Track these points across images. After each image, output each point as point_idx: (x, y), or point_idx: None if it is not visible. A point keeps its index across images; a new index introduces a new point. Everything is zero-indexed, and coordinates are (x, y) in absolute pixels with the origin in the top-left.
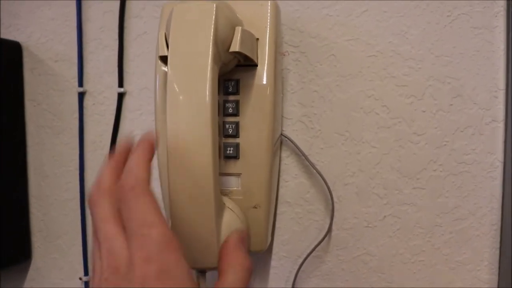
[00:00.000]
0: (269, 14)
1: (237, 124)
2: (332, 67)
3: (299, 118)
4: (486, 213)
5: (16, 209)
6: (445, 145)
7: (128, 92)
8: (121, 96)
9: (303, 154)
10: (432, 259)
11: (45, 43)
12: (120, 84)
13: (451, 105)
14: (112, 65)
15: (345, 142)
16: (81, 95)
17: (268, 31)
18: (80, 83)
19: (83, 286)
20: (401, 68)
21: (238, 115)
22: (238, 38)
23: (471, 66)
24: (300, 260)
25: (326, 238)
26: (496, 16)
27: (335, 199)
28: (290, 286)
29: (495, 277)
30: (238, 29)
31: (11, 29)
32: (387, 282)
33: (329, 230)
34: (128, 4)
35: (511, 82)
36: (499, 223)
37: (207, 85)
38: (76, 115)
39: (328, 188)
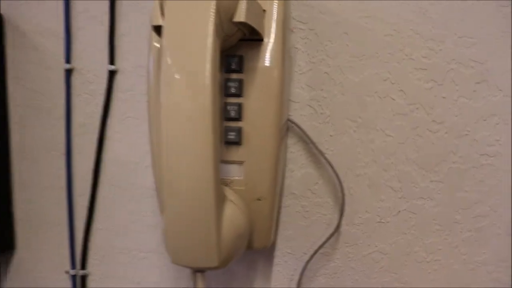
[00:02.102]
0: None
1: (240, 105)
2: (344, 46)
3: (308, 102)
4: (508, 210)
5: None
6: (466, 135)
7: (120, 70)
8: (112, 74)
9: (311, 142)
10: (449, 259)
11: (29, 14)
12: (111, 61)
13: (474, 91)
14: (102, 40)
15: (357, 129)
16: (68, 72)
17: (276, 2)
18: (68, 60)
19: (70, 279)
20: (420, 50)
21: (242, 96)
22: (244, 7)
23: (497, 49)
24: (306, 258)
25: (335, 234)
26: None
27: (345, 192)
28: (295, 285)
29: None
30: (243, 1)
31: None
32: (400, 282)
33: (338, 225)
34: None
35: None
36: None
37: (208, 60)
38: (63, 94)
39: (339, 179)
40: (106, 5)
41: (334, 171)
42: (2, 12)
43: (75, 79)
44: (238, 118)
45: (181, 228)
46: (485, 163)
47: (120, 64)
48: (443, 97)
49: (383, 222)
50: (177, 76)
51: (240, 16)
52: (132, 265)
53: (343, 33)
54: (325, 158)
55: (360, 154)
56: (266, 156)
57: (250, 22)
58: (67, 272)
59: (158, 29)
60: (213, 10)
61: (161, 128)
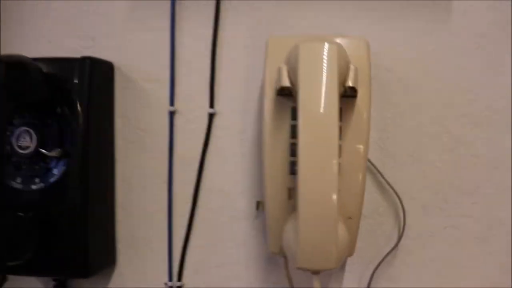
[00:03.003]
0: (365, 50)
1: (339, 146)
2: (403, 96)
3: (376, 141)
4: None
5: (104, 218)
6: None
7: (218, 112)
8: (211, 116)
9: (379, 172)
10: (486, 264)
11: (137, 64)
12: (211, 105)
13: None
14: (203, 87)
15: (414, 162)
16: (172, 114)
17: (366, 65)
18: (172, 103)
19: None
20: (462, 99)
21: (340, 139)
22: (353, 74)
23: None
24: (372, 266)
25: (396, 247)
26: None
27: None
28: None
29: None
30: (352, 67)
31: (104, 49)
32: (448, 283)
33: (399, 238)
34: (220, 33)
35: None
36: None
37: (335, 115)
38: (166, 132)
39: (401, 202)
40: (207, 58)
41: (398, 196)
42: (113, 60)
43: (177, 119)
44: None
45: (311, 240)
46: None
47: (217, 107)
48: (480, 137)
49: (432, 236)
50: (312, 128)
51: (351, 82)
52: (222, 277)
53: (403, 86)
54: (390, 186)
55: (415, 182)
56: (357, 184)
57: (356, 86)
58: (165, 284)
59: (283, 89)
60: (337, 79)
61: (300, 166)
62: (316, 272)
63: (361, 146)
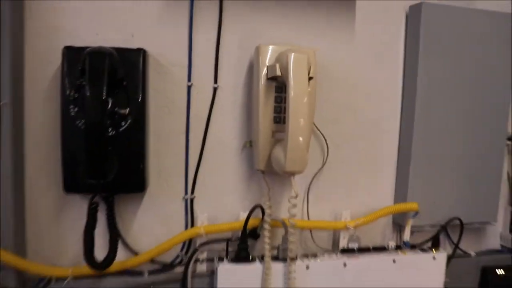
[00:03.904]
0: (314, 56)
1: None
2: (329, 82)
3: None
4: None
5: (139, 156)
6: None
7: (220, 86)
8: (215, 90)
9: (316, 126)
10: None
11: (164, 52)
12: (215, 81)
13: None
14: (210, 69)
15: (334, 121)
16: (189, 87)
17: (314, 64)
18: (189, 79)
19: (183, 202)
20: (362, 84)
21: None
22: (311, 70)
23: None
24: (310, 178)
25: (322, 168)
26: None
27: (328, 147)
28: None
29: None
30: (311, 66)
31: (140, 40)
32: (353, 191)
33: (324, 164)
34: (222, 36)
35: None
36: None
37: (306, 89)
38: (185, 99)
39: (326, 142)
40: (213, 51)
41: (324, 138)
42: (146, 48)
43: (193, 91)
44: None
45: (294, 154)
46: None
47: (220, 83)
48: (371, 106)
49: (343, 162)
50: (298, 96)
51: (311, 74)
52: (221, 190)
53: (329, 78)
54: (320, 132)
55: (334, 132)
56: (310, 125)
57: (313, 76)
58: (183, 198)
59: (274, 77)
60: (306, 71)
61: (290, 109)
62: (293, 174)
63: (312, 103)
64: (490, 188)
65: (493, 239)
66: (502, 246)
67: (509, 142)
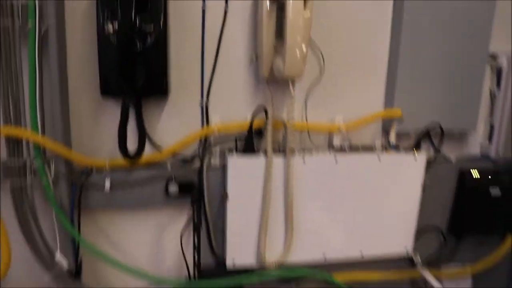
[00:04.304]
0: None
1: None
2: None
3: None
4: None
5: (162, 66)
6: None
7: (229, 10)
8: (225, 12)
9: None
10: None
11: None
12: (226, 4)
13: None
14: None
15: (328, 40)
16: (204, 11)
17: None
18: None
19: (200, 107)
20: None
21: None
22: None
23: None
24: (308, 85)
25: (320, 77)
26: None
27: (324, 57)
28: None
29: None
30: None
31: None
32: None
33: (321, 73)
34: None
35: None
36: None
37: (302, 7)
38: (200, 22)
39: (322, 56)
40: None
41: (321, 53)
42: None
43: (207, 15)
44: None
45: (292, 60)
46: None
47: (230, 7)
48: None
49: (334, 75)
50: (294, 11)
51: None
52: (230, 96)
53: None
54: (316, 46)
55: (331, 48)
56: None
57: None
58: (199, 103)
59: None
60: None
61: (288, 25)
62: (293, 80)
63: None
64: (471, 99)
65: (474, 148)
66: (481, 155)
67: (490, 59)
